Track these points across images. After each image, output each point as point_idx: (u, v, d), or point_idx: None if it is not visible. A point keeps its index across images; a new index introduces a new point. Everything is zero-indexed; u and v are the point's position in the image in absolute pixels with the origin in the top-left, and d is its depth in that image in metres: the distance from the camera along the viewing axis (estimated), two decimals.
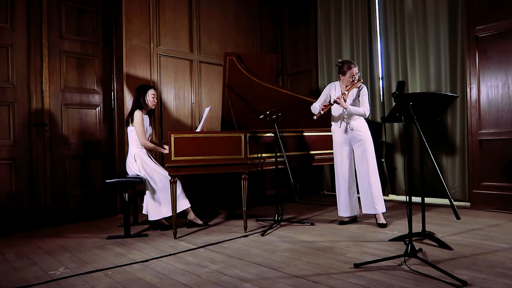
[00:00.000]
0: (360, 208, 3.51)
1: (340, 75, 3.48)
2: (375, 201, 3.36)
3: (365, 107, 3.38)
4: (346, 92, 3.37)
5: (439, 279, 2.07)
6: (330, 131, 4.00)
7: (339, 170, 3.53)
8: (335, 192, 3.60)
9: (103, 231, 3.56)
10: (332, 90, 3.56)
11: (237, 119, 3.83)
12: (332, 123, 3.60)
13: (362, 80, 3.46)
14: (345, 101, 3.33)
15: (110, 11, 4.33)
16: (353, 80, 3.39)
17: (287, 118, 3.65)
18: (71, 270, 2.46)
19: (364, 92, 3.45)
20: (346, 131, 3.47)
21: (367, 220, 3.64)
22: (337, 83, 3.58)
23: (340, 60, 3.55)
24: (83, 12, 4.14)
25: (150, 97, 3.63)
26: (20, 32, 3.70)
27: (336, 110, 3.52)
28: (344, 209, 3.52)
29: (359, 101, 3.45)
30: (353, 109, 3.35)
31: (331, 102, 3.36)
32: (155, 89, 3.77)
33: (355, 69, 3.40)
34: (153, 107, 3.71)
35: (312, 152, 3.98)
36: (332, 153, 3.97)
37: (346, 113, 3.45)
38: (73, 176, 4.04)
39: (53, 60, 3.90)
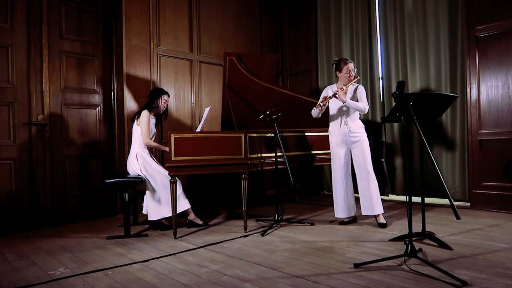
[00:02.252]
0: (358, 208, 3.52)
1: (337, 72, 3.50)
2: (373, 202, 3.36)
3: (364, 103, 3.39)
4: (344, 87, 3.38)
5: (439, 279, 2.07)
6: None
7: (337, 171, 3.53)
8: None
9: (103, 231, 3.56)
10: (330, 92, 3.55)
11: (237, 119, 3.83)
12: (330, 123, 3.60)
13: (359, 78, 3.47)
14: (345, 96, 3.35)
15: (110, 11, 4.33)
16: (349, 76, 3.41)
17: (287, 118, 3.65)
18: (71, 270, 2.46)
19: (362, 90, 3.48)
20: (343, 132, 3.47)
21: (367, 220, 3.64)
22: (334, 85, 3.60)
23: (335, 59, 3.57)
24: (83, 12, 4.14)
25: (162, 102, 3.69)
26: (20, 32, 3.70)
27: (334, 109, 3.53)
28: (341, 210, 3.53)
29: (357, 99, 3.47)
30: (352, 103, 3.35)
31: (330, 96, 3.36)
32: (169, 95, 3.80)
33: (351, 65, 3.44)
34: (161, 112, 3.77)
35: (312, 152, 3.98)
36: None
37: (344, 110, 3.44)
38: (73, 176, 4.04)
39: (53, 60, 3.90)
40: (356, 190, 3.54)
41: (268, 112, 3.49)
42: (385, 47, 4.88)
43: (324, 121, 3.92)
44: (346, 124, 3.45)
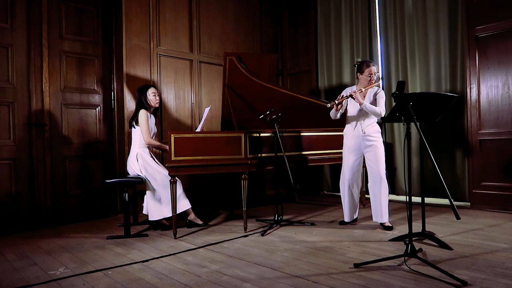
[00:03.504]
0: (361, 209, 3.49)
1: (358, 73, 3.37)
2: (382, 209, 3.28)
3: (381, 107, 3.24)
4: (363, 89, 3.27)
5: (439, 279, 2.07)
6: (330, 131, 4.00)
7: (345, 175, 3.47)
8: (336, 192, 3.60)
9: (103, 231, 3.56)
10: (349, 93, 3.42)
11: (237, 119, 3.83)
12: (346, 125, 3.50)
13: (380, 82, 3.35)
14: (363, 98, 3.25)
15: (110, 11, 4.33)
16: (370, 79, 3.29)
17: (287, 118, 3.65)
18: (71, 270, 2.46)
19: (382, 95, 3.33)
20: (358, 135, 3.37)
21: (368, 220, 3.64)
22: (354, 87, 3.48)
23: (359, 59, 3.45)
24: (83, 12, 4.14)
25: (150, 96, 3.64)
26: (20, 32, 3.70)
27: (351, 111, 3.43)
28: (347, 214, 3.50)
29: (375, 104, 3.33)
30: (368, 106, 3.21)
31: (347, 95, 3.25)
32: (155, 87, 3.77)
33: (373, 68, 3.29)
34: (157, 105, 3.72)
35: (312, 152, 3.97)
36: (331, 153, 3.98)
37: (361, 112, 3.33)
38: (73, 176, 4.04)
39: (53, 60, 3.90)
40: (366, 192, 3.49)
41: (268, 112, 3.49)
42: (385, 47, 4.88)
43: (324, 121, 3.92)
44: (362, 127, 3.35)
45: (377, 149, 3.31)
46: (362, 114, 3.35)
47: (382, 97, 3.31)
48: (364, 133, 3.34)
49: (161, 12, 4.55)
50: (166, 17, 4.60)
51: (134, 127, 3.58)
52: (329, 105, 3.31)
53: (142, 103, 3.61)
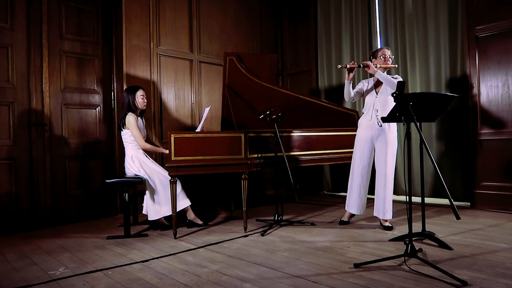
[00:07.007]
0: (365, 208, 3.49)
1: (373, 59, 3.36)
2: (386, 206, 3.27)
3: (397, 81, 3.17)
4: (378, 65, 3.25)
5: (439, 279, 2.07)
6: (330, 132, 4.00)
7: (356, 166, 3.43)
8: (336, 192, 3.59)
9: (103, 231, 3.56)
10: (365, 83, 3.46)
11: (237, 119, 3.83)
12: (362, 113, 3.48)
13: (396, 66, 3.35)
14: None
15: (110, 11, 4.33)
16: (385, 60, 3.27)
17: (287, 118, 3.65)
18: (71, 270, 2.46)
19: (398, 76, 3.29)
20: (372, 126, 3.32)
21: (368, 220, 3.64)
22: (370, 79, 3.46)
23: (372, 51, 3.47)
24: (83, 12, 4.14)
25: (139, 99, 3.59)
26: (20, 32, 3.70)
27: (368, 102, 3.40)
28: (353, 206, 3.46)
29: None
30: (383, 75, 3.16)
31: (360, 64, 3.24)
32: (144, 89, 3.71)
33: (387, 51, 3.30)
34: (144, 108, 3.68)
35: (312, 152, 3.97)
36: (332, 153, 3.97)
37: (377, 104, 3.30)
38: (73, 176, 4.04)
39: (53, 60, 3.90)
40: (372, 188, 3.48)
41: (268, 112, 3.49)
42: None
43: (324, 122, 3.91)
44: (378, 119, 3.28)
45: (389, 144, 3.27)
46: (379, 105, 3.31)
47: (398, 77, 3.27)
48: (380, 125, 3.29)
49: (161, 12, 4.55)
50: (166, 17, 4.60)
51: (122, 130, 3.56)
52: (339, 66, 3.29)
53: (129, 105, 3.55)
